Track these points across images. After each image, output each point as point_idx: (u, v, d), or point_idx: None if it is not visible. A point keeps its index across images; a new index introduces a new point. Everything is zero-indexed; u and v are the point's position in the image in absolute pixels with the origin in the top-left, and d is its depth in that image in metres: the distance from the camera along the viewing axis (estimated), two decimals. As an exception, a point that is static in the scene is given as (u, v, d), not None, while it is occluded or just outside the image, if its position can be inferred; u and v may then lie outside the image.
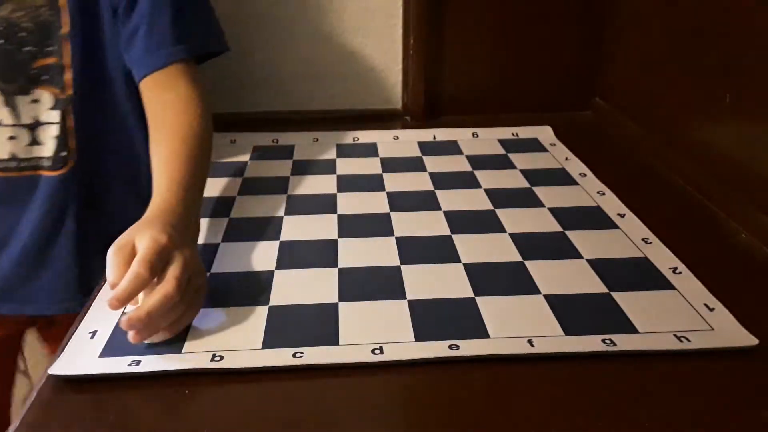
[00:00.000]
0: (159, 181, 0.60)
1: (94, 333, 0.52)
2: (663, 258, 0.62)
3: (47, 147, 0.71)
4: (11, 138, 0.70)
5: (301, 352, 0.49)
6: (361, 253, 0.64)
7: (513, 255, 0.63)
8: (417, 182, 0.80)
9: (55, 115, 0.70)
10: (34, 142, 0.71)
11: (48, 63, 0.69)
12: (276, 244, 0.66)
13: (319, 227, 0.69)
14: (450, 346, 0.50)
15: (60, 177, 0.71)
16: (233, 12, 1.00)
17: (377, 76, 1.06)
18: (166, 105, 0.68)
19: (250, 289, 0.58)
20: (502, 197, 0.76)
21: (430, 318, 0.54)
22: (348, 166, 0.85)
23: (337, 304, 0.56)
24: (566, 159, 0.88)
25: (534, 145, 0.93)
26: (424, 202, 0.75)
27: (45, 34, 0.69)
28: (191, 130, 0.66)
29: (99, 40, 0.71)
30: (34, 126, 0.70)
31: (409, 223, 0.70)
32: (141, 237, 0.50)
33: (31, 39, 0.68)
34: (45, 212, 0.72)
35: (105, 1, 0.70)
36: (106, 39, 0.71)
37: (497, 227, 0.69)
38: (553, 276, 0.60)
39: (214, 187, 0.79)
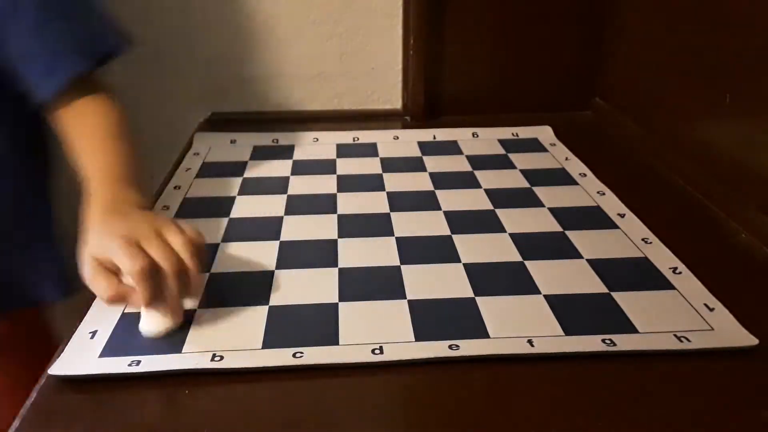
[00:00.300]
0: (93, 178, 0.59)
1: (94, 333, 0.52)
2: (663, 258, 0.62)
3: None
4: None
5: (301, 352, 0.49)
6: (361, 253, 0.64)
7: (513, 255, 0.63)
8: (417, 182, 0.80)
9: None
10: None
11: None
12: (276, 244, 0.66)
13: (319, 227, 0.69)
14: (450, 346, 0.50)
15: None
16: (232, 12, 1.00)
17: (377, 76, 1.06)
18: (80, 112, 0.66)
19: (250, 289, 0.58)
20: (502, 197, 0.76)
21: (430, 318, 0.54)
22: (348, 166, 0.85)
23: (337, 304, 0.56)
24: (566, 159, 0.88)
25: (534, 145, 0.93)
26: (424, 202, 0.75)
27: None
28: (112, 119, 0.65)
29: None
30: None
31: (409, 223, 0.70)
32: (105, 246, 0.49)
33: None
34: None
35: None
36: None
37: (497, 227, 0.69)
38: (553, 276, 0.60)
39: (214, 187, 0.79)
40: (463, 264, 0.62)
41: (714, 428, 0.44)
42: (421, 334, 0.51)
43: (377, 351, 0.49)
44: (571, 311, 0.54)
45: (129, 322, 0.53)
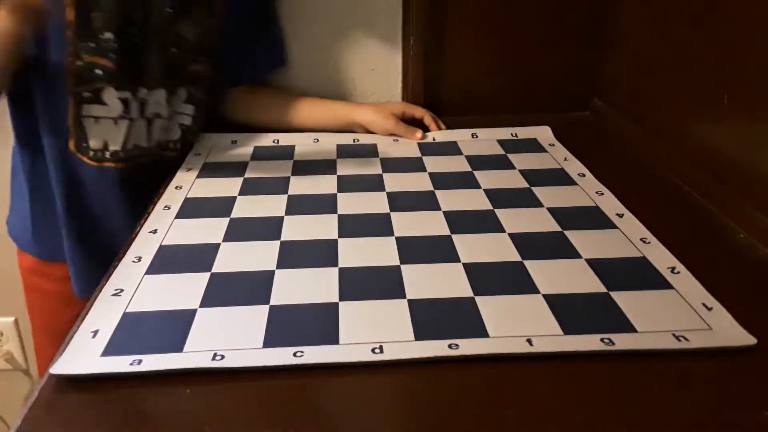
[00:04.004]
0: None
1: (95, 332, 0.52)
2: (661, 258, 0.63)
3: (174, 132, 0.87)
4: (162, 128, 0.84)
5: (302, 352, 0.49)
6: (361, 253, 0.64)
7: (512, 255, 0.64)
8: (417, 182, 0.81)
9: (187, 108, 0.86)
10: (170, 129, 0.86)
11: (196, 69, 0.84)
12: (276, 244, 0.66)
13: (319, 227, 0.69)
14: (450, 346, 0.50)
15: (179, 157, 0.88)
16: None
17: (377, 76, 1.06)
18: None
19: (251, 288, 0.58)
20: (501, 197, 0.76)
21: (429, 317, 0.54)
22: (348, 166, 0.85)
23: (337, 303, 0.56)
24: (565, 159, 0.88)
25: (533, 146, 0.93)
26: (424, 202, 0.75)
27: (203, 48, 0.84)
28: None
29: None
30: (172, 116, 0.85)
31: (409, 223, 0.70)
32: None
33: (193, 49, 0.82)
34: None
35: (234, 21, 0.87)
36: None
37: (497, 227, 0.69)
38: (552, 275, 0.60)
39: (214, 187, 0.79)
40: (463, 264, 0.62)
41: (712, 427, 0.44)
42: (420, 334, 0.52)
43: (377, 350, 0.50)
44: (570, 310, 0.55)
45: (130, 321, 0.53)
